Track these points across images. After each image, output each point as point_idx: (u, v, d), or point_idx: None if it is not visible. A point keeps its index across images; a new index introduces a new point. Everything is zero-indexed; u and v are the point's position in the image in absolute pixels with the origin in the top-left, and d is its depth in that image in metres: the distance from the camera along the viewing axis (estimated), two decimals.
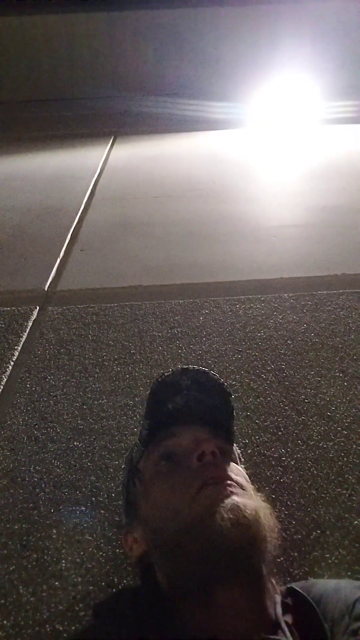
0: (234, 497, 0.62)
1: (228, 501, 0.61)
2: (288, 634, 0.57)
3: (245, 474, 0.73)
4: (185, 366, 0.80)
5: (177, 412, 0.76)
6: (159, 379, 0.78)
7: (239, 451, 0.84)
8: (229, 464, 0.70)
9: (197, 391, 0.77)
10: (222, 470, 0.66)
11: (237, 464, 0.75)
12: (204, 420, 0.75)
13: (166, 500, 0.66)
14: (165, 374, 0.78)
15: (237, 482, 0.66)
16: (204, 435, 0.72)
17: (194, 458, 0.67)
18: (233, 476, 0.67)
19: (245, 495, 0.64)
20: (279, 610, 0.60)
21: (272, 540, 0.61)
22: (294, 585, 0.66)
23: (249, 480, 0.73)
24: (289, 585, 0.66)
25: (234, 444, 0.80)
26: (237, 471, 0.70)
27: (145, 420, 0.77)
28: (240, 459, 0.81)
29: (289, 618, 0.60)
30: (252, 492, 0.68)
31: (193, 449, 0.68)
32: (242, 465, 0.80)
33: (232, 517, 0.59)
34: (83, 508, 0.99)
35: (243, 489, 0.65)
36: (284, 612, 0.60)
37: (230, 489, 0.63)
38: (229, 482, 0.65)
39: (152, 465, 0.72)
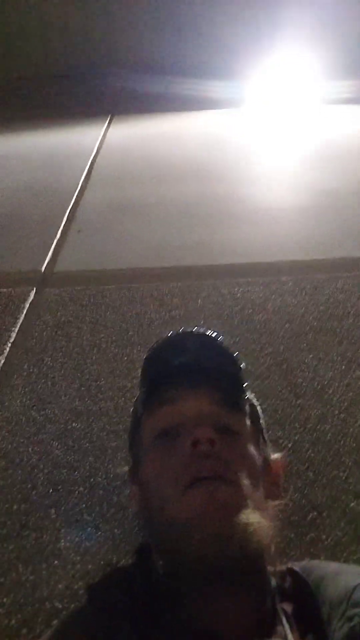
0: (223, 505, 0.56)
1: (214, 513, 0.55)
2: (286, 626, 0.56)
3: (256, 453, 0.65)
4: (190, 329, 0.71)
5: (183, 370, 0.66)
6: (161, 340, 0.70)
7: (259, 408, 0.73)
8: (232, 447, 0.61)
9: (205, 352, 0.68)
10: (218, 463, 0.59)
11: (249, 438, 0.65)
12: (212, 384, 0.65)
13: (156, 485, 0.62)
14: (169, 334, 0.70)
15: (234, 479, 0.59)
16: (207, 405, 0.63)
17: (189, 442, 0.60)
18: (233, 466, 0.60)
19: (236, 501, 0.57)
20: (277, 601, 0.58)
21: (261, 552, 0.56)
22: (295, 565, 0.65)
23: (262, 453, 0.66)
24: (289, 566, 0.65)
25: (251, 406, 0.70)
26: (242, 453, 0.62)
27: (144, 380, 0.69)
28: (260, 415, 0.72)
29: (287, 605, 0.59)
30: (254, 486, 0.60)
31: (190, 428, 0.61)
32: (263, 422, 0.71)
33: (210, 533, 0.54)
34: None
35: (240, 488, 0.58)
36: (282, 599, 0.60)
37: (223, 492, 0.57)
38: (223, 478, 0.58)
39: (149, 433, 0.66)
